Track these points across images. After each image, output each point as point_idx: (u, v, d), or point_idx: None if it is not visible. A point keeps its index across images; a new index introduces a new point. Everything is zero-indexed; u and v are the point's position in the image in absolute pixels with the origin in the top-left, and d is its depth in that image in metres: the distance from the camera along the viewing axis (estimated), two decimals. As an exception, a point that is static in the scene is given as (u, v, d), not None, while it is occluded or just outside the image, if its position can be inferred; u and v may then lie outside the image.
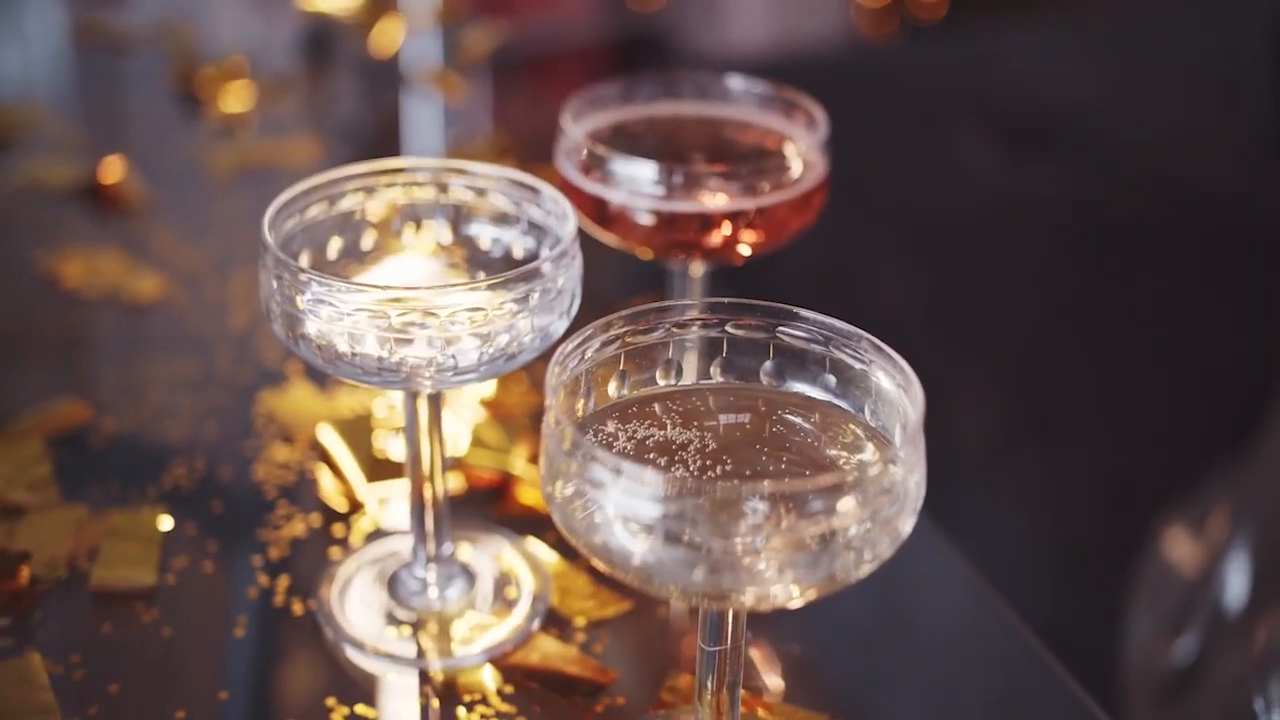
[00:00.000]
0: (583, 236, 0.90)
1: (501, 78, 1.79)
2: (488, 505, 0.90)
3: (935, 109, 2.50)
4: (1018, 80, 2.54)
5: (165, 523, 0.86)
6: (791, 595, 0.59)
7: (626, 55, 3.31)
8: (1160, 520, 1.42)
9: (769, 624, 0.82)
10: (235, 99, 1.51)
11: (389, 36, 1.69)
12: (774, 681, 0.79)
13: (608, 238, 0.88)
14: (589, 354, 0.68)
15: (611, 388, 0.69)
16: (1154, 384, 1.80)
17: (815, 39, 3.25)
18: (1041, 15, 3.03)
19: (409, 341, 0.70)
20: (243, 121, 1.47)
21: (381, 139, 1.54)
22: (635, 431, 0.67)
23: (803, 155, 0.86)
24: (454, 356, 0.70)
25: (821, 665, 0.83)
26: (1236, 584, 1.21)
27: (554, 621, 0.80)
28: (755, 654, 0.80)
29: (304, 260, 0.78)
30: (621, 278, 1.16)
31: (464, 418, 0.97)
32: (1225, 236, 2.06)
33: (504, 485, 0.91)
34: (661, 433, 0.67)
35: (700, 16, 3.31)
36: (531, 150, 1.40)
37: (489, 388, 1.00)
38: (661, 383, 0.70)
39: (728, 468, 0.65)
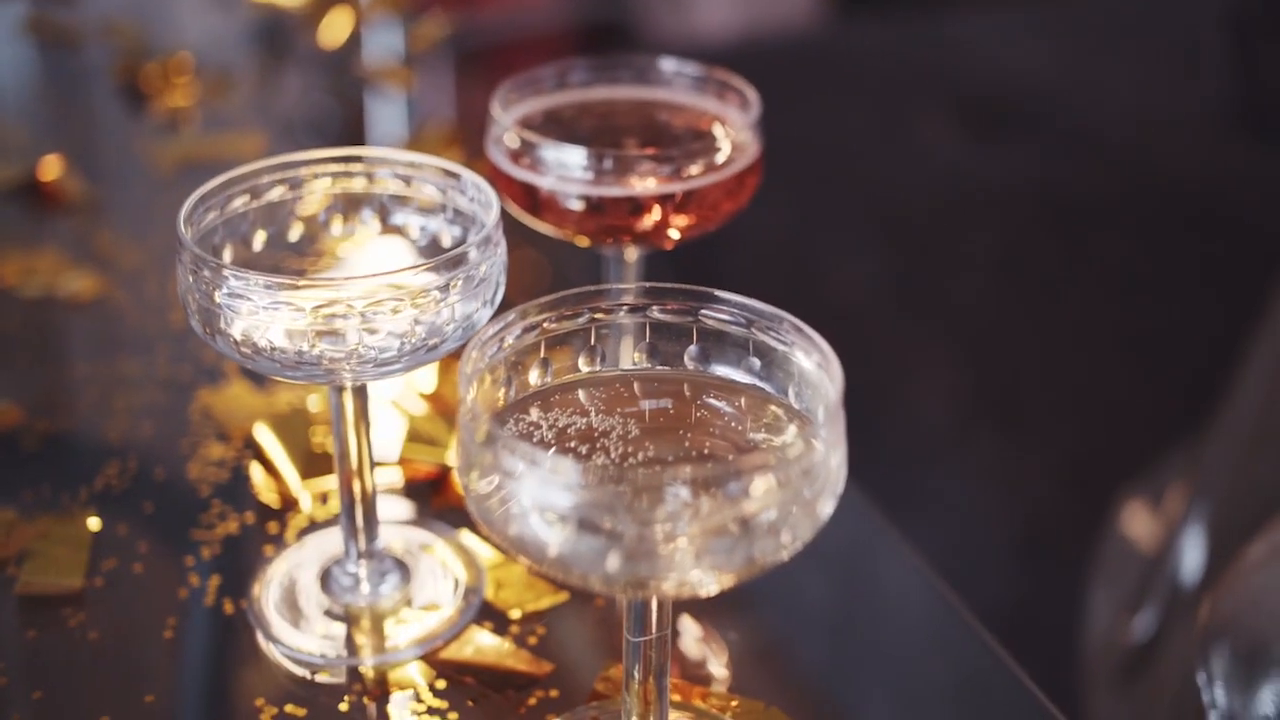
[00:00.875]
0: (522, 229, 0.89)
1: (465, 67, 1.78)
2: (426, 498, 0.89)
3: (897, 92, 2.50)
4: (979, 62, 2.54)
5: (95, 524, 0.85)
6: (712, 581, 0.58)
7: (592, 42, 3.29)
8: (1119, 497, 1.41)
9: (708, 611, 0.81)
10: (180, 94, 1.49)
11: (338, 28, 1.67)
12: (717, 670, 0.78)
13: (541, 226, 0.87)
14: (508, 341, 0.67)
15: (533, 375, 0.68)
16: (1113, 362, 1.80)
17: (780, 23, 3.24)
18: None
19: (329, 334, 0.69)
20: (187, 116, 1.45)
21: (336, 132, 1.52)
22: (557, 420, 0.66)
23: (733, 137, 0.85)
24: (374, 349, 0.69)
25: (767, 654, 0.82)
26: (1192, 559, 1.21)
27: (489, 615, 0.79)
28: (693, 643, 0.79)
29: (227, 254, 0.77)
30: (559, 269, 1.15)
31: (402, 411, 0.95)
32: (1185, 215, 2.06)
33: (441, 478, 0.90)
34: (584, 420, 0.66)
35: (665, 3, 3.30)
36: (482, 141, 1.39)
37: (429, 381, 0.99)
38: (585, 369, 0.69)
39: (650, 454, 0.64)
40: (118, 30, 1.64)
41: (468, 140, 1.38)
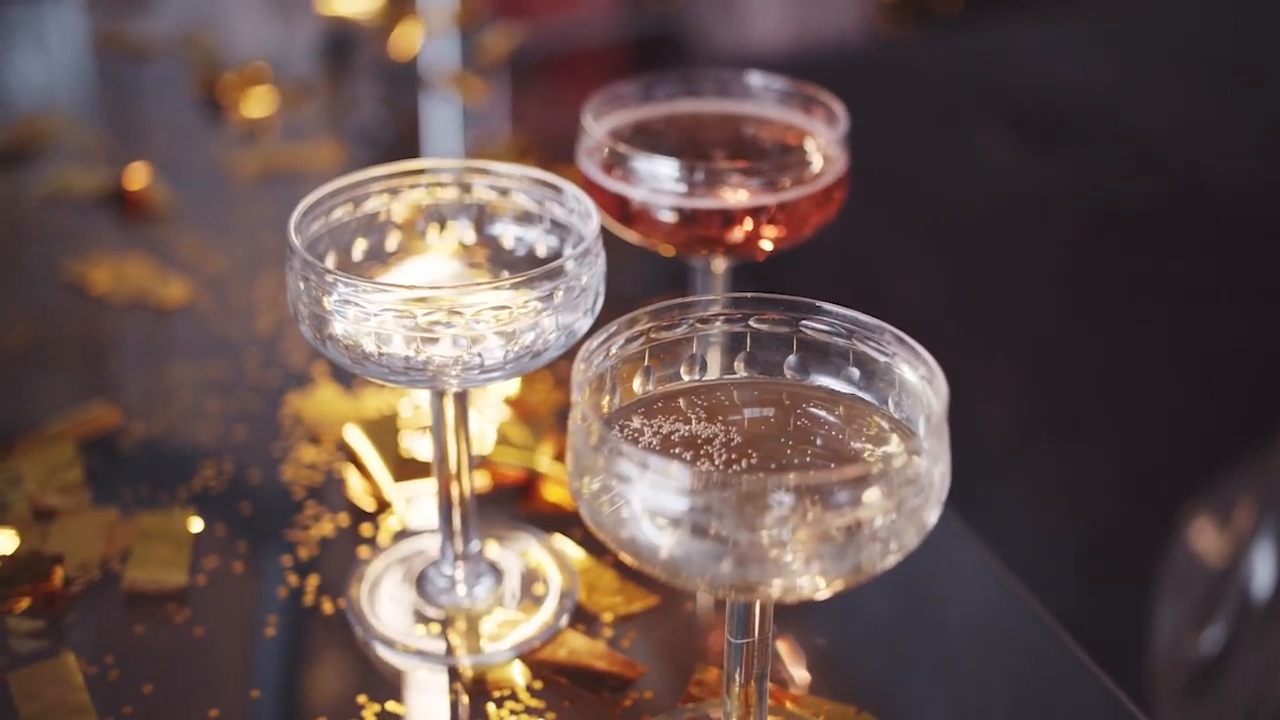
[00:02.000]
0: (605, 234, 0.90)
1: (519, 78, 1.80)
2: (514, 503, 0.91)
3: (952, 103, 2.50)
4: (1035, 73, 2.54)
5: (195, 524, 0.87)
6: (818, 586, 0.60)
7: (644, 54, 3.31)
8: (1185, 511, 1.42)
9: (795, 616, 0.82)
10: (257, 104, 1.52)
11: (408, 39, 1.70)
12: (800, 674, 0.79)
13: (630, 235, 0.89)
14: (614, 350, 0.68)
15: (636, 384, 0.70)
16: (1176, 374, 1.80)
17: (832, 35, 3.25)
18: (1058, 7, 3.03)
19: (435, 340, 0.70)
20: (265, 126, 1.48)
21: (402, 142, 1.55)
22: (660, 426, 0.67)
23: (823, 150, 0.87)
24: (479, 355, 0.71)
25: (847, 657, 0.83)
26: (1263, 573, 1.21)
27: (581, 617, 0.80)
28: (782, 646, 0.81)
29: (330, 262, 0.79)
30: (644, 275, 1.17)
31: (489, 416, 0.97)
32: (1244, 228, 2.05)
33: (530, 483, 0.92)
34: (687, 427, 0.67)
35: (718, 14, 3.32)
36: (551, 150, 1.41)
37: (513, 386, 1.01)
38: (686, 378, 0.70)
39: (753, 461, 0.65)
40: (192, 42, 1.67)
41: (537, 150, 1.40)
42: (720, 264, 0.91)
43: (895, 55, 2.89)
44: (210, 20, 1.82)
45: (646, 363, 0.70)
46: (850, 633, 0.84)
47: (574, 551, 0.85)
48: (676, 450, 0.66)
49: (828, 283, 2.04)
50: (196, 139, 1.48)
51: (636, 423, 0.68)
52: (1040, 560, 1.60)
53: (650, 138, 0.93)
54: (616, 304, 0.76)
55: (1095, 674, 0.79)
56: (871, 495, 0.59)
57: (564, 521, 0.88)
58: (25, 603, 0.81)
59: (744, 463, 0.65)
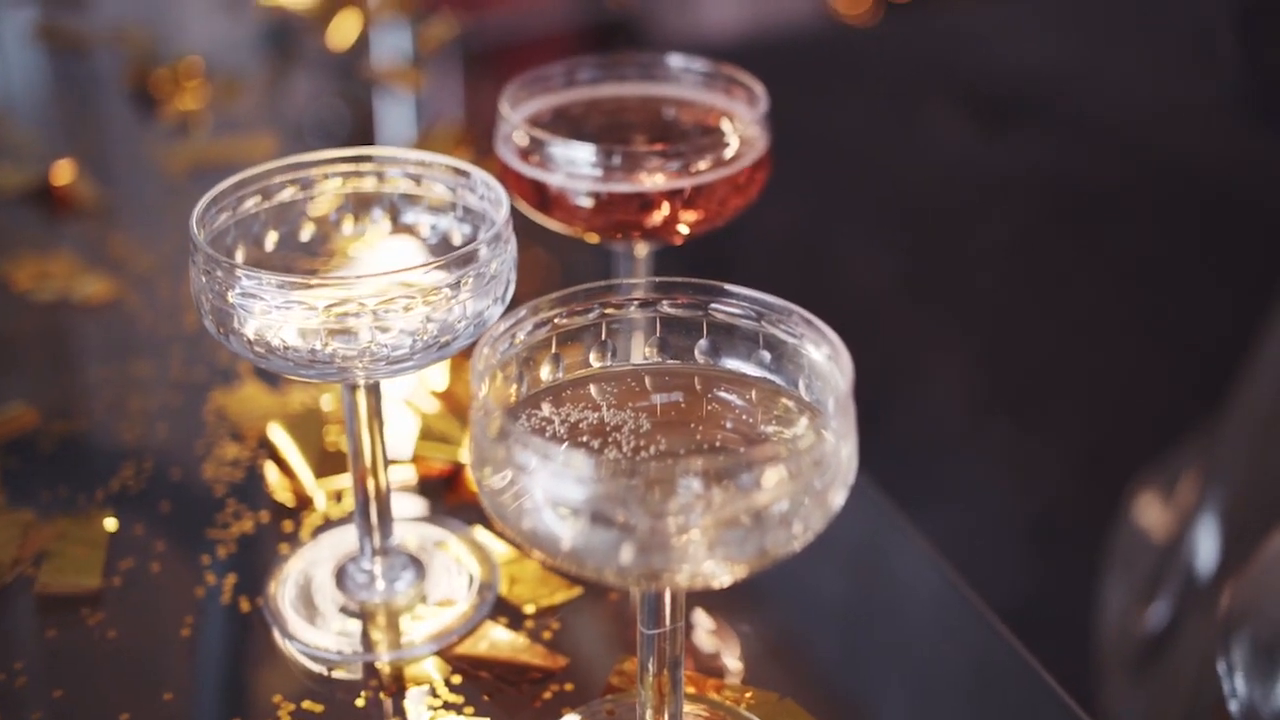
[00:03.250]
0: (533, 227, 0.89)
1: (473, 67, 1.79)
2: (438, 495, 0.89)
3: (908, 85, 2.50)
4: (990, 54, 2.54)
5: (112, 525, 0.86)
6: (725, 572, 0.59)
7: (600, 41, 3.29)
8: (1132, 487, 1.41)
9: (721, 604, 0.81)
10: (190, 98, 1.50)
11: (347, 30, 1.68)
12: (730, 663, 0.79)
13: (550, 223, 0.88)
14: (520, 337, 0.67)
15: (545, 371, 0.68)
16: (1126, 352, 1.80)
17: (790, 19, 3.24)
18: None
19: (341, 332, 0.69)
20: (197, 120, 1.46)
21: (346, 134, 1.53)
22: (569, 415, 0.66)
23: (741, 132, 0.85)
24: (386, 346, 0.70)
25: (780, 646, 0.82)
26: (1206, 549, 1.21)
27: (503, 610, 0.79)
28: (706, 635, 0.80)
29: (239, 255, 0.78)
30: (568, 265, 1.15)
31: (414, 409, 0.96)
32: (1198, 203, 2.06)
33: (454, 475, 0.91)
34: (596, 415, 0.66)
35: (672, 1, 3.30)
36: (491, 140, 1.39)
37: (441, 378, 0.99)
38: (596, 365, 0.69)
39: (661, 447, 0.64)
40: (127, 36, 1.65)
41: (477, 139, 1.38)
42: (642, 249, 0.90)
43: (851, 39, 2.88)
44: (153, 15, 1.80)
45: (555, 349, 0.68)
46: (777, 620, 0.83)
47: (496, 545, 0.84)
48: (584, 438, 0.65)
49: (782, 265, 2.03)
50: (128, 134, 1.46)
51: (545, 411, 0.67)
52: (992, 538, 1.60)
53: (570, 123, 0.92)
54: (538, 295, 0.75)
55: (1027, 659, 0.78)
56: (776, 477, 0.58)
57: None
58: (-66, 609, 0.79)
59: (652, 449, 0.64)
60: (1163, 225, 2.04)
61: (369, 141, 1.51)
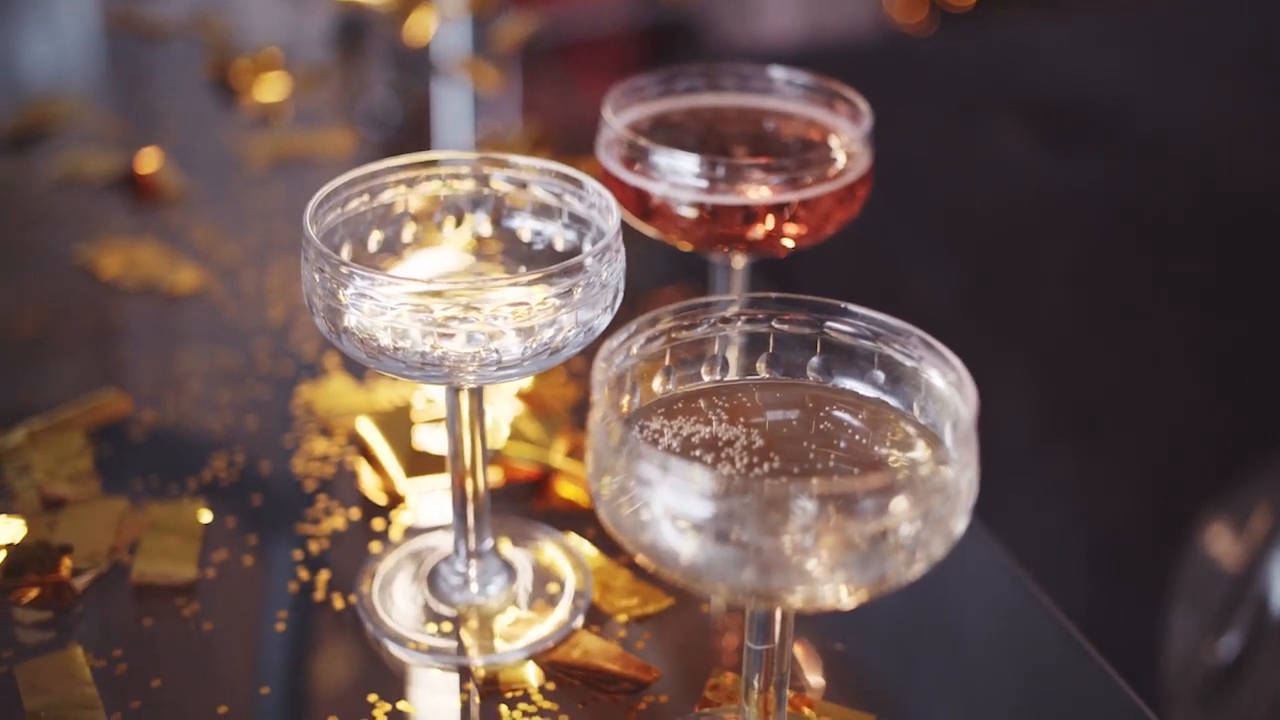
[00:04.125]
0: (625, 228, 0.89)
1: (530, 67, 1.79)
2: (527, 499, 0.89)
3: (968, 98, 2.48)
4: (1052, 69, 2.52)
5: (205, 516, 0.86)
6: (842, 596, 0.59)
7: (656, 44, 3.30)
8: (1201, 516, 1.40)
9: (810, 620, 0.81)
10: (270, 89, 1.50)
11: (421, 26, 1.68)
12: (816, 679, 0.78)
13: (649, 230, 0.88)
14: (635, 349, 0.67)
15: (657, 383, 0.68)
16: (1193, 376, 1.78)
17: (846, 27, 3.23)
18: (1074, 2, 3.01)
19: (451, 336, 0.69)
20: (277, 112, 1.46)
21: (414, 129, 1.53)
22: (681, 428, 0.66)
23: (846, 147, 0.85)
24: (497, 351, 0.70)
25: (862, 662, 0.82)
26: (1280, 581, 1.20)
27: (595, 618, 0.79)
28: (798, 651, 0.79)
29: (345, 253, 0.78)
30: (660, 269, 1.15)
31: (503, 411, 0.96)
32: (1264, 227, 2.04)
33: (543, 479, 0.91)
34: (707, 429, 0.66)
35: (731, 4, 3.30)
36: (564, 141, 1.40)
37: (526, 381, 0.99)
38: (707, 379, 0.69)
39: (775, 465, 0.64)
40: (206, 26, 1.66)
41: (546, 141, 1.39)
42: (740, 260, 0.90)
43: (909, 49, 2.87)
44: (222, 3, 1.81)
45: (667, 362, 0.68)
46: (866, 637, 0.83)
47: (588, 550, 0.84)
48: (697, 452, 0.64)
49: (842, 279, 2.02)
50: (208, 124, 1.47)
51: (656, 423, 0.67)
52: (1054, 563, 1.59)
53: (670, 132, 0.92)
54: (634, 300, 0.75)
55: (1112, 678, 0.78)
56: (898, 504, 0.57)
57: (578, 519, 0.87)
58: (33, 593, 0.80)
59: (765, 466, 0.64)
60: (1230, 247, 2.02)
61: (425, 136, 1.51)
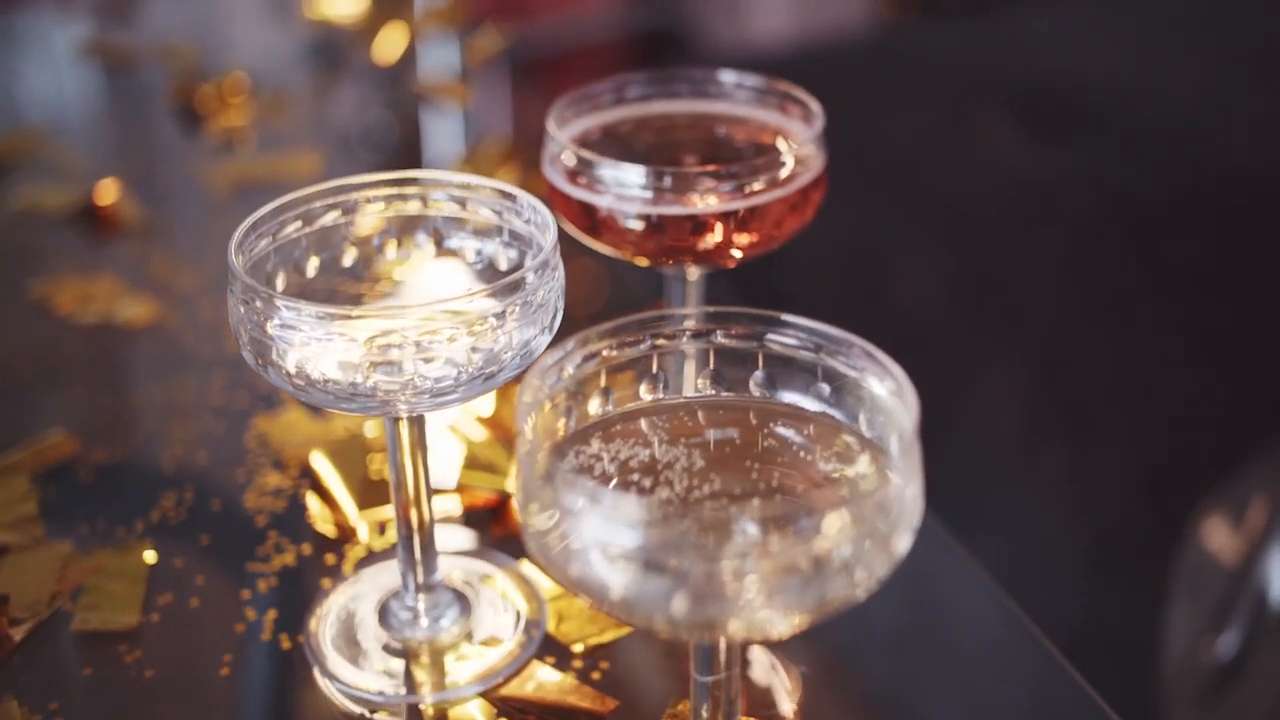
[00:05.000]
0: (580, 246, 0.86)
1: (519, 78, 1.76)
2: (485, 527, 0.87)
3: (959, 91, 2.46)
4: (1043, 60, 2.49)
5: (151, 558, 0.84)
6: (782, 622, 0.56)
7: (647, 51, 3.27)
8: (1198, 510, 1.37)
9: (777, 641, 0.78)
10: (235, 114, 1.48)
11: (393, 43, 1.66)
12: (783, 701, 0.76)
13: (599, 246, 0.85)
14: (568, 370, 0.64)
15: (594, 404, 0.66)
16: (1188, 368, 1.75)
17: (837, 25, 3.20)
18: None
19: (384, 364, 0.67)
20: (242, 137, 1.44)
21: (398, 148, 1.51)
22: (619, 451, 0.64)
23: (796, 151, 0.82)
24: (430, 378, 0.67)
25: (834, 681, 0.79)
26: (1279, 576, 1.17)
27: (550, 649, 0.77)
28: (763, 672, 0.77)
29: (280, 282, 0.76)
30: (618, 287, 1.13)
31: (460, 436, 0.93)
32: (1258, 214, 2.00)
33: (501, 505, 0.88)
34: (647, 451, 0.64)
35: (720, 9, 3.28)
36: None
37: (486, 404, 0.97)
38: (647, 397, 0.67)
39: (715, 487, 0.61)
40: (174, 51, 1.64)
41: (524, 155, 1.36)
42: (694, 272, 0.87)
43: (901, 44, 2.84)
44: (202, 27, 1.79)
45: (604, 382, 0.66)
46: (830, 653, 0.80)
47: (543, 580, 0.81)
48: (635, 476, 0.62)
49: (832, 277, 1.99)
50: (173, 151, 1.45)
51: (594, 447, 0.64)
52: (1050, 560, 1.56)
53: (618, 142, 0.89)
54: (586, 310, 0.72)
55: (1091, 697, 0.75)
56: (837, 522, 0.55)
57: (536, 545, 0.84)
58: (-30, 646, 0.77)
59: (706, 488, 0.61)
60: (1224, 235, 1.99)
61: (416, 156, 1.49)
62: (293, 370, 0.67)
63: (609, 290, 1.12)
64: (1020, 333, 1.86)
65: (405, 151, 1.51)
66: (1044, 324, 1.87)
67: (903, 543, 0.57)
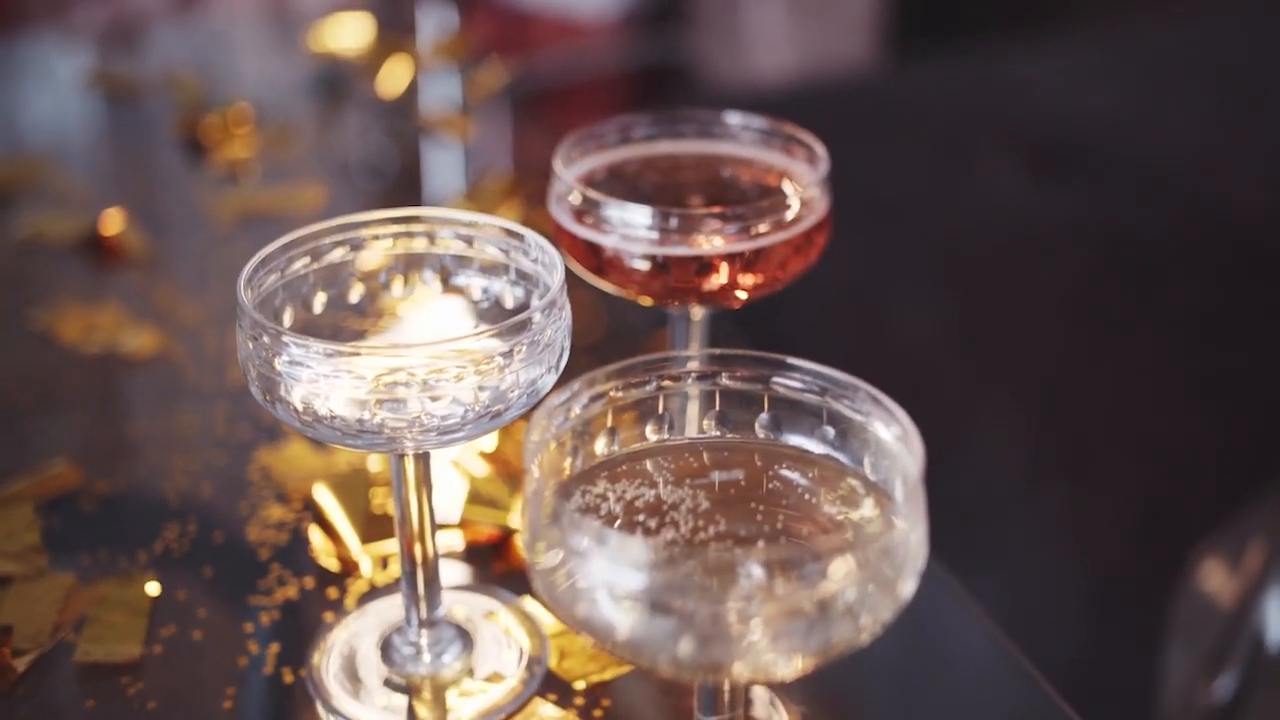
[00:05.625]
0: (583, 283, 0.87)
1: (520, 113, 1.77)
2: (487, 562, 0.87)
3: (959, 133, 2.47)
4: (1043, 102, 2.51)
5: (154, 589, 0.84)
6: (787, 666, 0.56)
7: (649, 87, 3.29)
8: (1195, 552, 1.37)
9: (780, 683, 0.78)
10: (240, 145, 1.49)
11: (398, 76, 1.67)
12: (786, 742, 0.76)
13: (605, 285, 0.85)
14: (575, 410, 0.65)
15: (600, 445, 0.66)
16: (1186, 411, 1.76)
17: (839, 64, 3.22)
18: (1065, 36, 2.99)
19: (390, 401, 0.67)
20: (246, 168, 1.45)
21: (398, 181, 1.52)
22: (625, 491, 0.64)
23: (801, 193, 0.83)
24: (436, 416, 0.68)
25: (833, 716, 0.79)
26: (1276, 619, 1.17)
27: (553, 685, 0.77)
28: (764, 707, 0.77)
29: (287, 318, 0.76)
30: (622, 324, 1.13)
31: (463, 471, 0.94)
32: (1258, 257, 2.01)
33: (504, 541, 0.88)
34: (652, 492, 0.64)
35: (722, 44, 3.29)
36: (544, 191, 1.38)
37: (490, 440, 0.97)
38: (653, 439, 0.67)
39: (720, 529, 0.61)
40: (178, 82, 1.65)
41: (526, 191, 1.37)
42: (698, 312, 0.88)
43: (902, 84, 2.86)
44: (207, 58, 1.80)
45: (611, 423, 0.66)
46: (835, 698, 0.80)
47: (545, 615, 0.81)
48: (640, 517, 0.62)
49: (831, 317, 2.00)
50: (178, 182, 1.46)
51: (600, 487, 0.64)
52: (1048, 600, 1.56)
53: (624, 182, 0.90)
54: (589, 343, 0.73)
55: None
56: (844, 567, 0.55)
57: (538, 582, 0.84)
58: (-28, 677, 0.77)
59: (711, 529, 0.61)
60: (1224, 278, 1.99)
61: (417, 189, 1.50)
62: (300, 407, 0.68)
63: (608, 323, 1.13)
64: (1020, 373, 1.86)
65: (406, 183, 1.51)
66: (1043, 365, 1.87)
67: (908, 587, 0.57)
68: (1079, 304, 1.96)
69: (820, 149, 0.87)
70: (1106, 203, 2.17)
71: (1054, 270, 2.03)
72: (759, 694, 0.78)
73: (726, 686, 0.62)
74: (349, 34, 1.75)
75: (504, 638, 0.80)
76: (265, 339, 0.68)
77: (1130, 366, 1.84)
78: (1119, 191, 2.20)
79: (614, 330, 1.12)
